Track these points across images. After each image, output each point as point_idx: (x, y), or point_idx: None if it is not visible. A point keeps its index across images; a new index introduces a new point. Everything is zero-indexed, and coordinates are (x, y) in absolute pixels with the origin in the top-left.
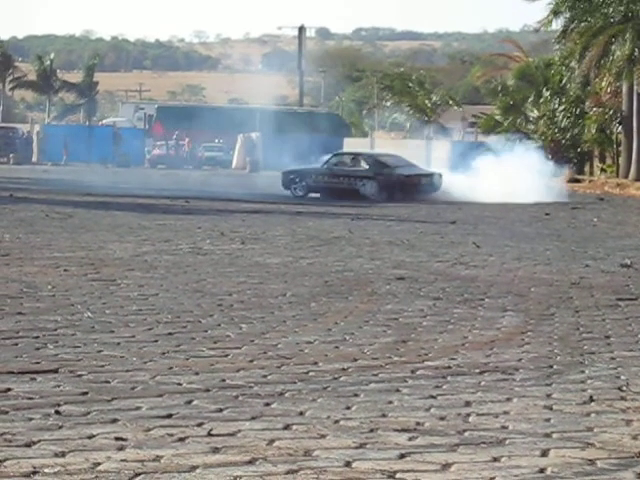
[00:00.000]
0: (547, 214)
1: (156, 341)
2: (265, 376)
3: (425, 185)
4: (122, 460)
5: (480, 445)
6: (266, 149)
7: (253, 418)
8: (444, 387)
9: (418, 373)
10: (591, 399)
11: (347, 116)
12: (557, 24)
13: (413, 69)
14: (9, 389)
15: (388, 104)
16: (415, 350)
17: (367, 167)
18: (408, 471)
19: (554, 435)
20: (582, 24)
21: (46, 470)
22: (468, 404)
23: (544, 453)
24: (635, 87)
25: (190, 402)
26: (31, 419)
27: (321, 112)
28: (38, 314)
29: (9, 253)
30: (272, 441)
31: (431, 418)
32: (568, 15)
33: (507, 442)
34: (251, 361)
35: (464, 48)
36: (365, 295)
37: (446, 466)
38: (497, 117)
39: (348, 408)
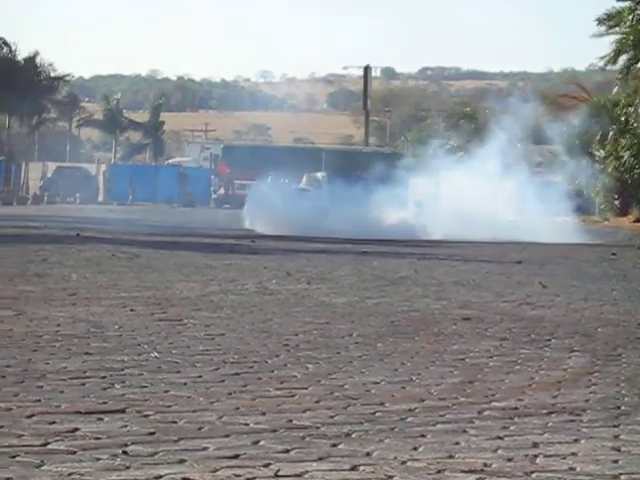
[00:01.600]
0: (613, 254)
1: (223, 381)
2: (332, 417)
3: None
4: None
5: None
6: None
7: (320, 459)
8: (511, 428)
9: (485, 414)
10: None
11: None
12: (621, 62)
13: (479, 108)
14: (77, 429)
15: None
16: (482, 391)
17: None
18: None
19: (622, 477)
20: None
21: None
22: (535, 445)
23: None
24: None
25: (257, 442)
26: (98, 459)
27: (386, 152)
28: (105, 354)
29: (76, 293)
30: None
31: (498, 459)
32: (632, 53)
33: None
34: (317, 401)
35: (529, 88)
36: (431, 335)
37: None
38: (563, 157)
39: (415, 449)
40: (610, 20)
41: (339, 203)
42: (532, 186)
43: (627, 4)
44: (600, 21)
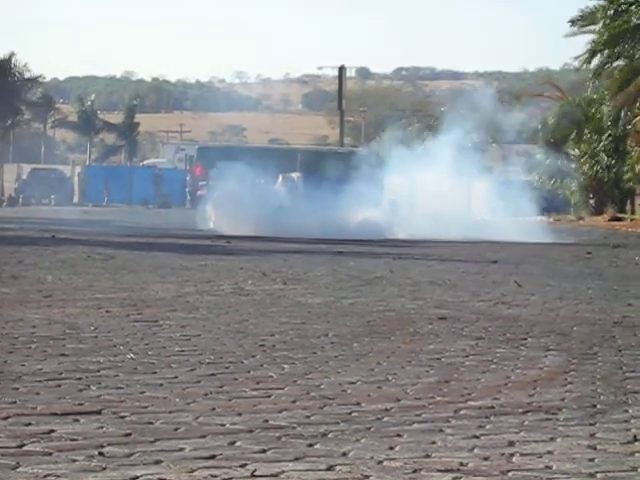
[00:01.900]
0: (589, 253)
1: (199, 382)
2: (308, 417)
3: None
4: None
5: None
6: (306, 189)
7: (296, 459)
8: (487, 427)
9: (461, 413)
10: (635, 438)
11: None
12: (596, 62)
13: (453, 108)
14: (52, 430)
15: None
16: (458, 390)
17: None
18: None
19: (598, 475)
20: (618, 62)
21: None
22: (512, 444)
23: None
24: None
25: (233, 443)
26: (74, 460)
27: (361, 152)
28: (81, 355)
29: (51, 294)
30: None
31: (475, 458)
32: (606, 52)
33: None
34: (294, 402)
35: (504, 87)
36: (407, 335)
37: None
38: (538, 156)
39: (391, 448)
40: (584, 20)
41: (312, 203)
42: (507, 185)
43: (600, 3)
44: (573, 22)
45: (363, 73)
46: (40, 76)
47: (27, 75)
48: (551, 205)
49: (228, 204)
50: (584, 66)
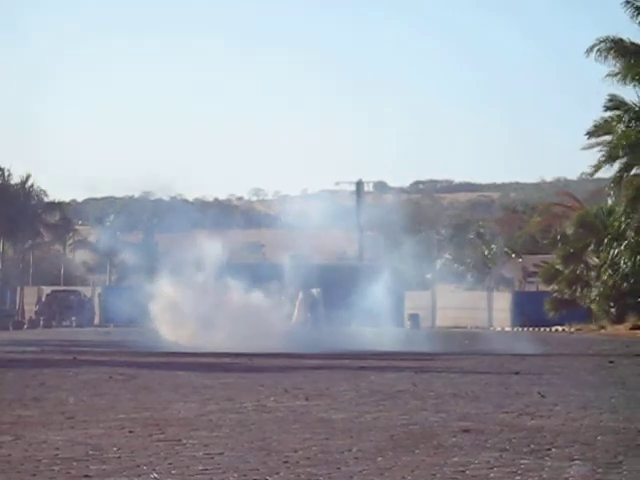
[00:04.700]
0: (611, 362)
1: None
2: None
3: None
4: None
5: None
6: (327, 304)
7: None
8: None
9: None
10: None
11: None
12: (612, 170)
13: (472, 221)
14: None
15: (449, 256)
16: None
17: None
18: None
19: None
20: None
21: None
22: None
23: None
24: None
25: None
26: None
27: (380, 265)
28: (104, 476)
29: (74, 416)
30: None
31: None
32: (624, 160)
33: None
34: None
35: (521, 198)
36: (431, 448)
37: None
38: (557, 266)
39: None
40: (599, 130)
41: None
42: (526, 296)
43: (615, 113)
44: (590, 134)
45: (380, 187)
46: (61, 202)
47: (46, 199)
48: (572, 314)
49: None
50: (598, 174)
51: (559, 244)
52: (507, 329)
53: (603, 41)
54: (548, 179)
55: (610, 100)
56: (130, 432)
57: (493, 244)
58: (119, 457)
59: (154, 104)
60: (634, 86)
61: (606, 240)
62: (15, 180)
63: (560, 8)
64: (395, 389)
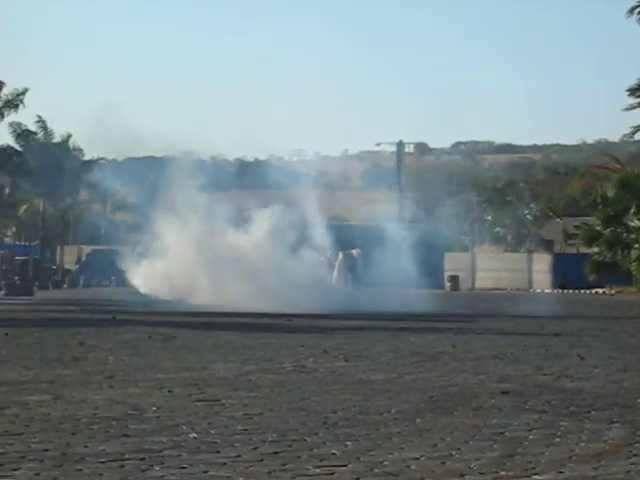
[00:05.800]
0: None
1: (262, 460)
2: None
3: None
4: None
5: None
6: (366, 265)
7: None
8: None
9: None
10: None
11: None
12: None
13: (513, 182)
14: None
15: (489, 217)
16: (522, 464)
17: None
18: None
19: None
20: None
21: None
22: None
23: None
24: None
25: None
26: None
27: (420, 227)
28: (143, 436)
29: (113, 375)
30: None
31: None
32: None
33: None
34: (357, 479)
35: (563, 160)
36: (470, 410)
37: None
38: (598, 228)
39: None
40: None
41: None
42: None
43: None
44: (632, 91)
45: (421, 148)
46: (101, 158)
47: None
48: (612, 277)
49: None
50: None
51: (600, 206)
52: (547, 291)
53: None
54: (589, 141)
55: None
56: (169, 392)
57: (533, 206)
58: (158, 417)
59: (202, 66)
60: None
61: None
62: (56, 139)
63: None
64: (434, 350)
